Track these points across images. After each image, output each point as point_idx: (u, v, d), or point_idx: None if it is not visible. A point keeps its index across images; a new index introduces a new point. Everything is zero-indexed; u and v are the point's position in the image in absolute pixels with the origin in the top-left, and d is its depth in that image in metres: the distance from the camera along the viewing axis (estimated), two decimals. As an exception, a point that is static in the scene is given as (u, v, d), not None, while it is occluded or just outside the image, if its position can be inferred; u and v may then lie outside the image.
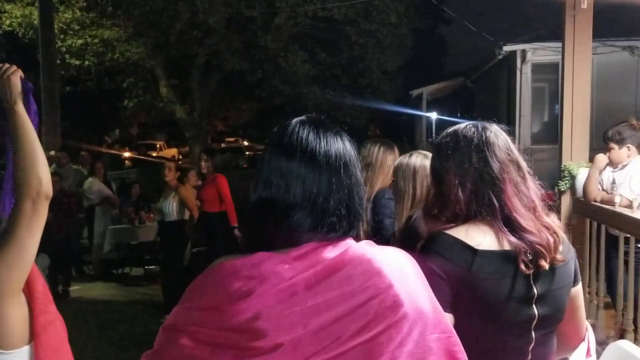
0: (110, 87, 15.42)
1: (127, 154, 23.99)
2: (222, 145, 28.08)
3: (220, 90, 16.37)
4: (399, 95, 18.40)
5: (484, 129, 1.56)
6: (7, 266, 1.45)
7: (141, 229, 7.97)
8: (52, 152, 9.32)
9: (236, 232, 5.92)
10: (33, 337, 1.52)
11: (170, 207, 6.10)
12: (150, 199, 8.39)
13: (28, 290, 1.52)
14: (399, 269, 1.13)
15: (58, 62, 11.85)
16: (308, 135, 1.19)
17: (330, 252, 1.13)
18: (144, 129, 31.30)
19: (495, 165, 1.50)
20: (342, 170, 1.18)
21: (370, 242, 1.20)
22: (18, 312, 1.49)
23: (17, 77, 1.61)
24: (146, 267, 8.18)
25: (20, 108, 1.58)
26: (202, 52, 14.09)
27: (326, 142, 1.19)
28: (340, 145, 1.20)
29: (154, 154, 26.15)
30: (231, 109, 22.14)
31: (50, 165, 8.56)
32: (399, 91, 18.13)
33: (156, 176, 8.52)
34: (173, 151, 28.54)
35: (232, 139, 31.42)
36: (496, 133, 1.56)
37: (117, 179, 12.17)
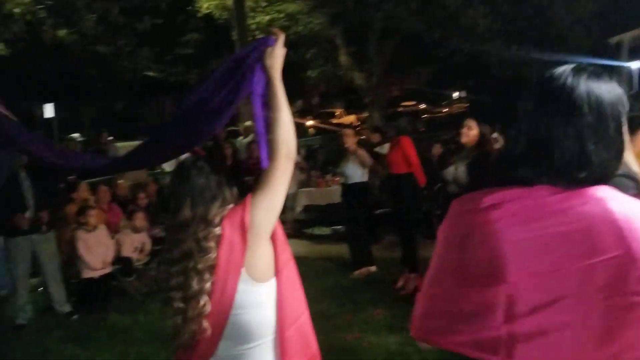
0: (293, 60, 16.26)
1: (309, 123, 25.22)
2: (399, 109, 28.06)
3: (396, 54, 16.33)
4: (594, 45, 16.63)
5: None
6: (265, 211, 1.72)
7: (327, 191, 8.42)
8: (248, 123, 10.18)
9: (424, 193, 5.95)
10: (276, 272, 1.78)
11: (352, 170, 6.36)
12: (334, 164, 8.79)
13: (272, 233, 1.79)
14: None
15: (249, 39, 12.79)
16: (571, 82, 1.21)
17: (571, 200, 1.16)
18: (323, 98, 32.59)
19: None
20: (600, 117, 1.19)
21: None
22: (268, 251, 1.76)
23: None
24: (333, 227, 8.64)
25: (279, 77, 1.80)
26: (379, 17, 14.13)
27: (588, 88, 1.20)
28: (605, 91, 1.20)
29: (334, 121, 27.18)
30: (408, 72, 22.00)
31: (245, 137, 9.35)
32: (594, 40, 16.37)
33: (337, 142, 8.87)
34: (351, 118, 29.27)
35: (408, 103, 31.24)
36: None
37: (303, 146, 12.90)
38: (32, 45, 15.38)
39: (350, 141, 6.39)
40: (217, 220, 1.74)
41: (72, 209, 6.22)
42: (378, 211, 7.70)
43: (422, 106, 32.94)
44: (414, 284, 5.57)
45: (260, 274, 1.74)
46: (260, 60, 1.81)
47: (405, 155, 5.75)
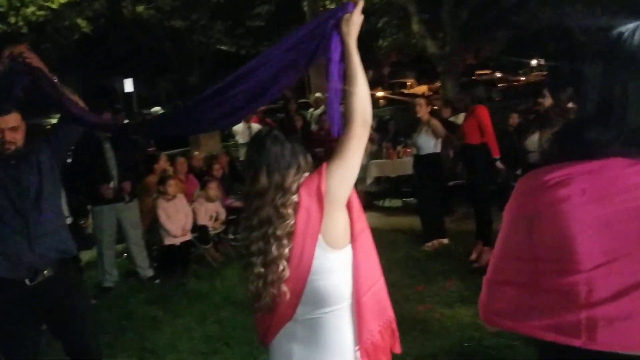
0: (365, 29, 16.02)
1: (380, 94, 24.94)
2: (474, 78, 27.21)
3: (471, 21, 15.76)
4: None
5: None
6: (340, 180, 1.74)
7: (399, 163, 8.34)
8: (318, 94, 10.21)
9: (498, 164, 5.81)
10: (351, 240, 1.81)
11: (424, 140, 6.25)
12: (406, 135, 8.68)
13: (347, 202, 1.81)
14: None
15: (320, 9, 12.72)
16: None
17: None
18: (395, 67, 32.06)
19: None
20: None
21: None
22: (343, 219, 1.80)
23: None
24: (404, 199, 8.58)
25: (355, 45, 1.79)
26: (454, -18, 13.68)
27: None
28: None
29: (405, 92, 26.76)
30: (482, 40, 21.21)
31: (316, 108, 9.36)
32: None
33: (408, 113, 8.71)
34: (423, 88, 28.73)
35: (483, 72, 30.22)
36: None
37: (373, 117, 12.80)
38: (112, 22, 16.00)
39: (423, 111, 6.27)
40: (294, 187, 1.77)
41: (152, 179, 6.50)
42: (451, 183, 7.57)
43: (498, 75, 31.77)
44: (487, 257, 5.46)
45: (337, 241, 1.77)
46: (337, 27, 1.80)
47: (481, 125, 5.59)
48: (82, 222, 5.62)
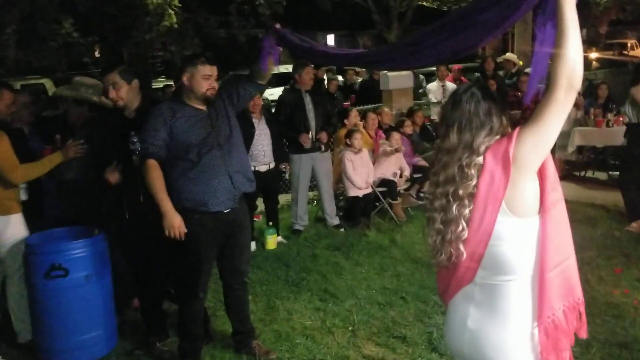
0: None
1: (593, 55, 22.52)
2: None
3: None
4: None
5: None
6: (532, 146, 1.66)
7: (607, 132, 7.54)
8: (509, 54, 9.57)
9: None
10: (542, 210, 1.72)
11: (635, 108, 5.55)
12: (620, 102, 7.77)
13: (540, 170, 1.72)
14: None
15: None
16: None
17: None
18: (614, 27, 28.65)
19: None
20: None
21: None
22: (532, 188, 1.71)
23: None
24: (610, 172, 7.78)
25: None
26: None
27: None
28: None
29: (626, 54, 23.79)
30: None
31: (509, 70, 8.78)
32: None
33: (624, 77, 7.75)
34: (647, 50, 25.27)
35: None
36: None
37: (584, 80, 11.67)
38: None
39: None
40: (482, 149, 1.73)
41: (342, 132, 6.77)
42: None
43: None
44: None
45: (522, 209, 1.70)
46: None
47: None
48: (283, 166, 6.09)
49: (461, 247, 1.74)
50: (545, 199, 1.71)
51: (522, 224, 1.71)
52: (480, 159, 1.72)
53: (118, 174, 3.55)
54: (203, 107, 3.30)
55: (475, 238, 1.73)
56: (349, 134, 6.41)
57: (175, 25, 11.63)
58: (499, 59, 10.88)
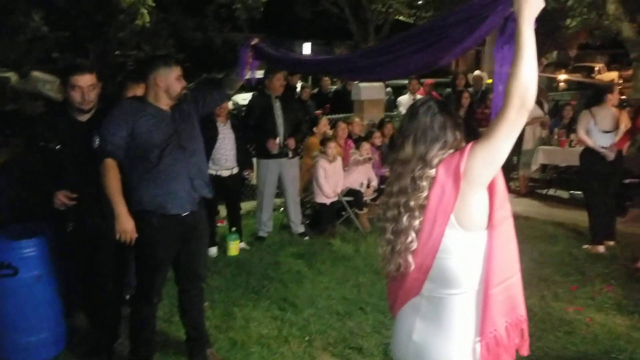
0: (552, 6, 14.82)
1: (562, 77, 23.07)
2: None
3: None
4: None
5: None
6: (482, 162, 1.67)
7: (570, 152, 7.71)
8: (477, 72, 9.72)
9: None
10: (490, 226, 1.73)
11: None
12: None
13: (490, 186, 1.73)
14: None
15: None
16: None
17: None
18: (583, 50, 29.40)
19: None
20: None
21: None
22: (481, 203, 1.72)
23: None
24: (572, 191, 7.94)
25: (528, 24, 1.63)
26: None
27: None
28: None
29: (593, 77, 24.42)
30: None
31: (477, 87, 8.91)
32: None
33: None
34: (613, 75, 25.93)
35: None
36: None
37: (550, 100, 11.92)
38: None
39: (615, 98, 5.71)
40: (434, 162, 1.74)
41: (314, 140, 6.75)
42: (627, 180, 6.84)
43: None
44: (658, 268, 4.90)
45: (470, 223, 1.71)
46: (509, 4, 1.69)
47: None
48: (246, 173, 6.04)
49: (410, 258, 1.75)
50: (492, 215, 1.72)
51: (469, 237, 1.72)
52: (432, 172, 1.73)
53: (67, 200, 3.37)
54: (167, 109, 3.25)
55: (424, 250, 1.74)
56: (323, 142, 6.42)
57: (148, 25, 11.50)
58: (470, 76, 11.03)
